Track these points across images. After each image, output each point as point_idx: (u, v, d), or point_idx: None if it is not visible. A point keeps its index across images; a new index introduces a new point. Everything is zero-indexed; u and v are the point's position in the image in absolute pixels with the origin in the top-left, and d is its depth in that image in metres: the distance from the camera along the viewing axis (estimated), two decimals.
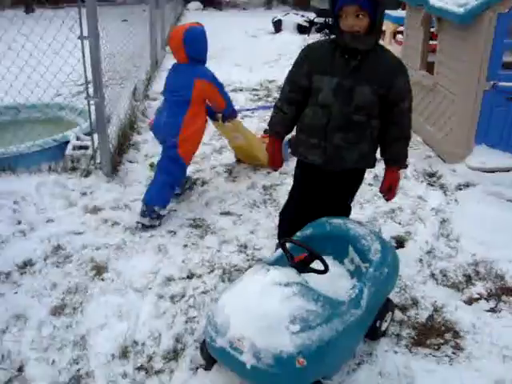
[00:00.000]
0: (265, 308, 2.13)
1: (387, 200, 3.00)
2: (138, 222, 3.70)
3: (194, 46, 3.67)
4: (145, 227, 3.67)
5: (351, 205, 3.13)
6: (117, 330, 2.70)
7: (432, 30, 5.27)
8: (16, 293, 2.98)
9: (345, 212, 3.06)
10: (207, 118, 3.95)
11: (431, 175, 4.59)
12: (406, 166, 2.93)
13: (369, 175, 4.39)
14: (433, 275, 3.26)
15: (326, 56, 2.66)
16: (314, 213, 2.88)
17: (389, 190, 2.91)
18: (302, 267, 2.36)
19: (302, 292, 2.21)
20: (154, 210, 3.68)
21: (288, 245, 2.52)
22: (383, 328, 2.70)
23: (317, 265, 2.37)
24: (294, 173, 3.08)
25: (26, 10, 13.36)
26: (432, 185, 4.43)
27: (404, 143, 2.81)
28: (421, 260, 3.40)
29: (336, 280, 2.55)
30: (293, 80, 2.81)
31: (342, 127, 2.66)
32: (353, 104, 2.62)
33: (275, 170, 3.12)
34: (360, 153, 2.75)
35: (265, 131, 3.30)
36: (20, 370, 2.48)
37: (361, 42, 2.54)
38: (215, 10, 15.01)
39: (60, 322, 2.77)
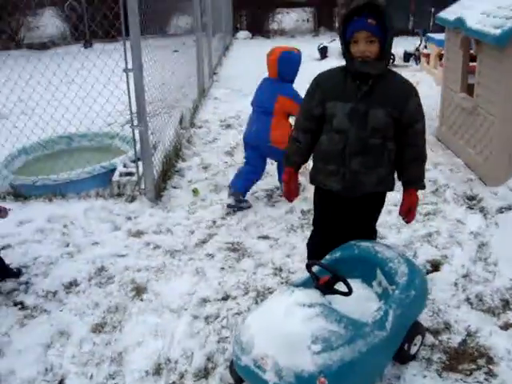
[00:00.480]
0: (287, 328, 2.20)
1: (407, 222, 3.02)
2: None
3: (285, 66, 4.31)
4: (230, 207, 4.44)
5: (376, 227, 3.17)
6: (152, 348, 2.82)
7: (471, 51, 5.26)
8: (61, 310, 3.16)
9: (370, 235, 3.08)
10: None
11: (471, 198, 4.55)
12: (423, 187, 2.92)
13: None
14: (468, 299, 3.23)
15: (337, 83, 2.75)
16: (340, 238, 2.91)
17: (408, 211, 2.93)
18: (326, 289, 2.42)
19: (324, 313, 2.26)
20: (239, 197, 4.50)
21: (316, 268, 2.59)
22: (412, 352, 2.70)
23: (342, 287, 2.43)
24: (313, 202, 3.12)
25: (85, 44, 14.06)
26: (472, 208, 4.39)
27: (420, 164, 2.85)
28: (456, 284, 3.37)
29: (364, 302, 2.60)
30: (306, 109, 2.88)
31: (359, 152, 2.71)
32: (368, 127, 2.67)
33: (291, 201, 3.18)
34: (378, 177, 2.78)
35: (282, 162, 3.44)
36: (61, 382, 2.64)
37: (371, 67, 2.62)
38: (263, 39, 15.31)
39: (100, 338, 2.92)
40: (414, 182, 2.87)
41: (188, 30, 8.51)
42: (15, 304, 3.24)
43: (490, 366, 2.69)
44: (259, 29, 15.98)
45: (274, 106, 4.31)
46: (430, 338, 2.88)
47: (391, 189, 2.93)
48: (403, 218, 2.99)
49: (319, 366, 2.12)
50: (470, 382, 2.60)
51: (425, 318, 3.01)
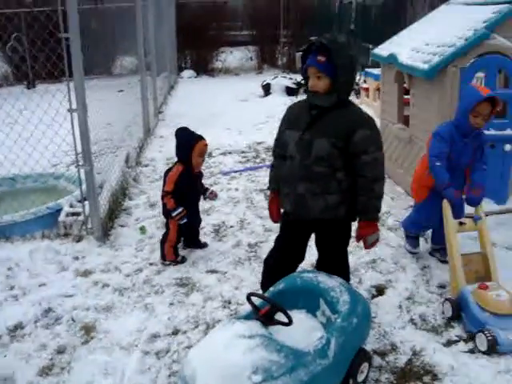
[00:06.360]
0: (228, 359, 2.22)
1: (365, 248, 3.13)
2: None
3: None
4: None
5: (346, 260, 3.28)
6: None
7: (405, 85, 5.54)
8: (5, 356, 3.08)
9: (336, 264, 3.15)
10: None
11: None
12: (372, 219, 2.94)
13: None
14: (412, 320, 3.35)
15: (297, 113, 2.95)
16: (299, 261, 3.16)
17: (363, 241, 3.03)
18: (266, 320, 2.46)
19: (264, 343, 2.29)
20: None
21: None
22: (360, 379, 2.75)
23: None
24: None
25: (28, 85, 13.89)
26: None
27: (369, 196, 2.87)
28: (400, 306, 3.49)
29: (308, 332, 2.64)
30: (277, 137, 3.11)
31: (304, 178, 2.86)
32: (312, 156, 2.81)
33: (276, 222, 3.28)
34: (326, 203, 2.87)
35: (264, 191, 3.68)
36: None
37: (321, 100, 2.80)
38: (208, 77, 15.52)
39: (47, 382, 2.86)
40: (360, 212, 2.93)
41: (133, 70, 8.57)
42: None
43: (435, 383, 2.80)
44: (204, 68, 16.19)
45: None
46: (377, 360, 2.97)
47: (342, 217, 2.96)
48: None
49: None
50: None
51: (372, 341, 3.10)
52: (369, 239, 2.99)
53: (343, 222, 3.04)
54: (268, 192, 3.31)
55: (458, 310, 3.25)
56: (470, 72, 4.47)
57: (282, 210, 3.17)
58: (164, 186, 4.05)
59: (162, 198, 4.05)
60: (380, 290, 3.71)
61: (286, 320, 2.45)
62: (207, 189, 4.40)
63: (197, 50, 16.25)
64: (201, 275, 3.97)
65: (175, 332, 3.27)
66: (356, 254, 4.21)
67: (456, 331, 3.23)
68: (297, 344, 2.41)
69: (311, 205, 2.88)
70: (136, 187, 5.94)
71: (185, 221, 4.02)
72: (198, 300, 3.62)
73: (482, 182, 3.59)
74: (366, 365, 2.78)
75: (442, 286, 3.72)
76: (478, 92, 3.42)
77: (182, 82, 14.61)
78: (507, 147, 4.63)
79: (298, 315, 2.69)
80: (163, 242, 4.16)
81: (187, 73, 15.73)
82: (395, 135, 5.72)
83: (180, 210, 3.97)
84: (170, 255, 4.13)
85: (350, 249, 4.19)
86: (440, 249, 4.01)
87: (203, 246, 4.42)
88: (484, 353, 2.97)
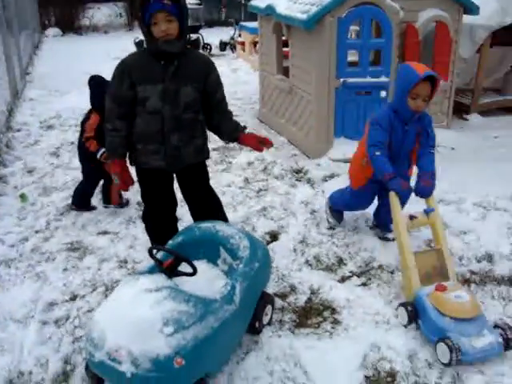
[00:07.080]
0: (137, 315, 2.17)
1: (268, 148, 3.26)
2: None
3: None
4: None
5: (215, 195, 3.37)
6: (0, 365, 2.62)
7: (284, 38, 5.61)
8: None
9: (209, 202, 3.30)
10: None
11: (298, 172, 4.89)
12: (244, 127, 3.20)
13: (239, 179, 4.71)
14: (307, 261, 3.49)
15: (144, 66, 2.83)
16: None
17: (260, 143, 3.18)
18: (171, 272, 2.44)
19: (171, 295, 2.26)
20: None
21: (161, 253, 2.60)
22: (265, 321, 2.84)
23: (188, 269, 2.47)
24: (138, 181, 3.18)
25: None
26: (300, 180, 4.72)
27: (229, 116, 3.14)
28: (295, 250, 3.62)
29: (212, 281, 2.65)
30: (117, 95, 2.89)
31: (176, 128, 2.88)
32: (181, 104, 2.85)
33: (127, 190, 3.28)
34: (195, 147, 3.01)
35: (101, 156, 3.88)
36: None
37: (174, 46, 2.76)
38: (76, 36, 14.70)
39: None
40: (235, 130, 3.14)
41: None
42: None
43: (335, 316, 2.96)
44: (70, 25, 15.27)
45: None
46: (279, 302, 3.07)
47: (207, 157, 3.16)
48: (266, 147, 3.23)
49: (174, 347, 2.13)
50: (320, 332, 2.84)
51: (272, 285, 3.20)
52: (259, 137, 3.21)
53: (203, 161, 3.19)
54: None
55: (415, 316, 2.82)
56: (346, 22, 4.62)
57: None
58: (83, 133, 3.95)
59: (82, 144, 3.96)
60: (274, 236, 3.82)
61: (190, 270, 2.44)
62: None
63: (61, 6, 15.26)
64: (92, 237, 3.85)
65: (73, 297, 3.15)
66: (246, 203, 4.30)
67: (349, 267, 3.42)
68: (202, 293, 2.41)
69: (184, 153, 2.97)
70: (10, 154, 5.55)
71: None
72: (93, 263, 3.51)
73: (431, 168, 3.17)
74: (269, 307, 2.87)
75: (331, 228, 3.90)
76: (414, 71, 3.00)
77: (48, 40, 13.71)
78: (383, 93, 4.88)
79: (200, 265, 2.68)
80: (106, 186, 4.17)
81: (52, 31, 14.79)
82: (275, 86, 5.82)
83: (104, 149, 3.80)
84: (117, 199, 4.22)
85: (239, 199, 4.34)
86: (379, 225, 3.82)
87: (92, 208, 4.27)
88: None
